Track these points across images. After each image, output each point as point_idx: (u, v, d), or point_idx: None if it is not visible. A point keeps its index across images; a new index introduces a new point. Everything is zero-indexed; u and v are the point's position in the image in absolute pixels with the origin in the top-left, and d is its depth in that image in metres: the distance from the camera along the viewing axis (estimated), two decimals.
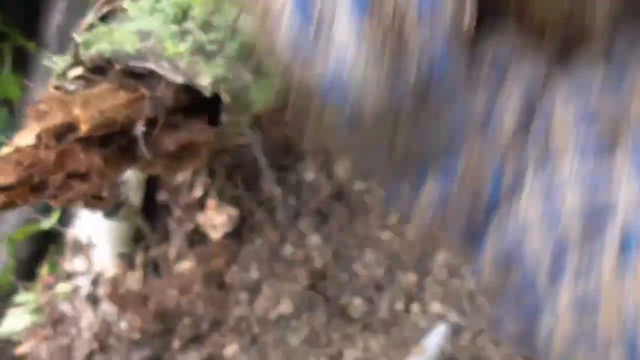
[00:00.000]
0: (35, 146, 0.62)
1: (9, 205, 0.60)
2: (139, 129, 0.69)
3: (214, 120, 0.85)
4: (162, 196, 1.68)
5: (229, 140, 0.95)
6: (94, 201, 0.68)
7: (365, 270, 1.63)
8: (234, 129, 0.95)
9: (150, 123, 0.72)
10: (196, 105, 0.84)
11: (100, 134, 0.66)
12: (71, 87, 0.73)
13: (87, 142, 0.64)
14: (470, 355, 1.54)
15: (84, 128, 0.62)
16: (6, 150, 0.62)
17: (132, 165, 0.76)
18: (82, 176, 0.63)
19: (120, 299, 1.47)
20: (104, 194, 0.69)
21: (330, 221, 1.66)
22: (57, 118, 0.62)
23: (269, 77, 0.98)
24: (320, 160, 1.69)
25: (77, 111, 0.62)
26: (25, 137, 0.62)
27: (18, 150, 0.61)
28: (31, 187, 0.62)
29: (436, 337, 1.46)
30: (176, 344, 1.58)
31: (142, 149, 0.70)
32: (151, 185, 1.68)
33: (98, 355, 1.57)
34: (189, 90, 0.77)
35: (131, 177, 1.55)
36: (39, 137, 0.62)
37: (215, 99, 0.83)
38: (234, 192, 1.66)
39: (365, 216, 1.68)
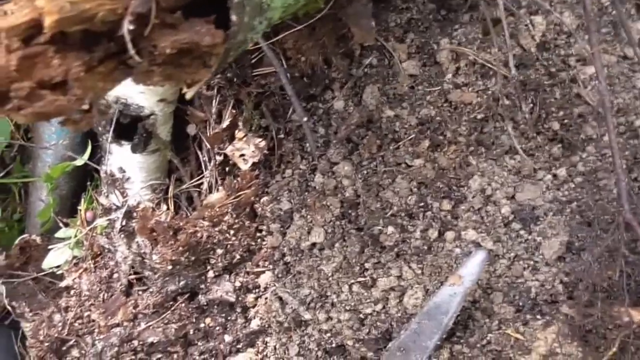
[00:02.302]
0: None
1: None
2: (125, 26, 0.60)
3: (222, 22, 0.76)
4: (191, 129, 1.69)
5: (242, 45, 0.88)
6: (76, 117, 0.63)
7: (397, 198, 1.60)
8: (248, 32, 0.88)
9: (141, 21, 0.63)
10: (200, 3, 0.75)
11: (75, 31, 0.57)
12: None
13: (63, 45, 0.56)
14: (506, 283, 1.51)
15: (49, 22, 0.53)
16: None
17: (126, 75, 0.68)
18: (58, 86, 0.59)
19: (150, 232, 1.49)
20: (88, 107, 0.64)
21: (360, 150, 1.63)
22: (22, 16, 0.54)
23: None
24: (348, 88, 1.65)
25: (41, 1, 0.53)
26: None
27: None
28: None
29: (474, 266, 1.43)
30: (210, 274, 1.60)
31: (130, 50, 0.61)
32: (180, 119, 1.68)
33: (136, 285, 1.62)
34: None
35: (157, 110, 1.55)
36: None
37: None
38: (262, 123, 1.64)
39: (396, 143, 1.64)
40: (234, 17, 0.76)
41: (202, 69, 0.80)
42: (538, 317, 1.45)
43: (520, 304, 1.48)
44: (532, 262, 1.52)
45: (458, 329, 1.47)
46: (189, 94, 0.81)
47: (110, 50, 0.64)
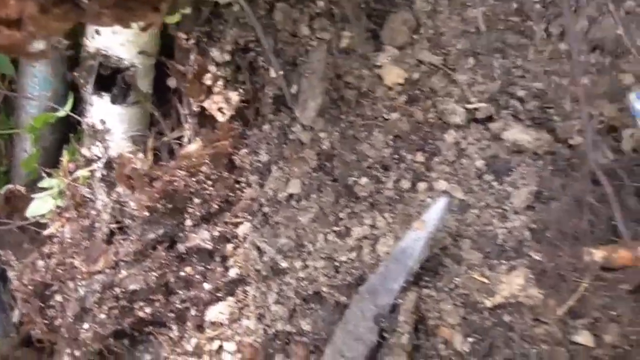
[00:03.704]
0: None
1: None
2: None
3: None
4: (171, 82, 1.72)
5: None
6: (31, 51, 0.67)
7: (373, 150, 1.64)
8: None
9: None
10: None
11: None
12: None
13: None
14: (476, 231, 1.56)
15: None
16: None
17: (78, 17, 0.75)
18: (14, 23, 0.62)
19: (127, 179, 1.53)
20: (42, 45, 0.68)
21: (338, 102, 1.67)
22: None
23: None
24: (325, 43, 1.68)
25: None
26: None
27: None
28: None
29: (437, 211, 1.47)
30: (188, 222, 1.65)
31: None
32: (162, 72, 1.72)
33: (117, 234, 1.66)
34: None
35: (137, 63, 1.59)
36: None
37: None
38: (240, 77, 1.68)
39: (373, 98, 1.68)
40: None
41: (151, 13, 0.87)
42: (504, 262, 1.50)
43: (488, 250, 1.52)
44: (501, 211, 1.56)
45: (427, 274, 1.52)
46: (145, 36, 0.87)
47: None
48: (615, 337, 1.40)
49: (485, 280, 1.48)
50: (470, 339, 1.47)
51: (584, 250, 1.45)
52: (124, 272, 1.63)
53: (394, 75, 1.67)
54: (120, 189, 1.60)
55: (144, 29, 0.86)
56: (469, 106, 1.64)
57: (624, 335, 1.40)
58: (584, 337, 1.42)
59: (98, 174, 1.62)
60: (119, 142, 1.66)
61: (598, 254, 1.43)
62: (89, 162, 1.67)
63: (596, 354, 1.40)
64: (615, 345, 1.40)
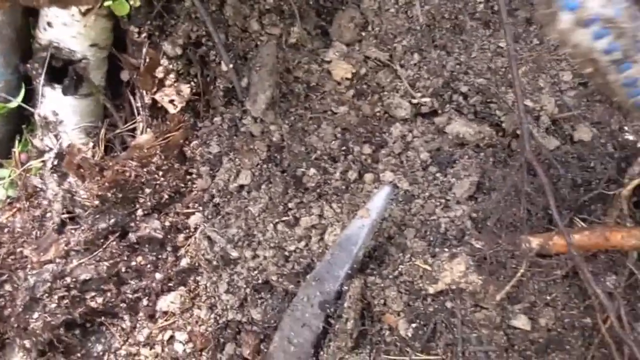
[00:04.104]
0: None
1: None
2: None
3: None
4: (124, 75, 1.75)
5: None
6: None
7: (322, 143, 1.69)
8: None
9: None
10: None
11: None
12: None
13: None
14: (420, 220, 1.61)
15: None
16: None
17: None
18: None
19: (78, 168, 1.55)
20: None
21: (288, 96, 1.71)
22: None
23: None
24: (275, 38, 1.72)
25: None
26: None
27: None
28: None
29: (380, 200, 1.52)
30: (139, 212, 1.67)
31: None
32: (115, 66, 1.74)
33: (69, 224, 1.68)
34: None
35: (89, 55, 1.61)
36: None
37: None
38: (192, 70, 1.71)
39: (322, 92, 1.72)
40: None
41: None
42: (446, 250, 1.55)
43: (431, 238, 1.58)
44: (444, 201, 1.62)
45: (373, 262, 1.57)
46: (86, 20, 0.91)
47: None
48: (550, 321, 1.46)
49: (428, 268, 1.52)
50: (413, 325, 1.51)
51: (521, 238, 1.50)
52: (75, 262, 1.64)
53: (342, 70, 1.72)
54: (71, 179, 1.61)
55: (84, 14, 0.89)
56: (415, 101, 1.70)
57: (558, 318, 1.46)
58: (521, 321, 1.47)
59: (49, 165, 1.63)
60: (71, 133, 1.68)
61: (534, 242, 1.49)
62: (41, 153, 1.68)
63: (532, 337, 1.46)
64: (550, 329, 1.46)
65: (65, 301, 1.64)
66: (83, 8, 0.92)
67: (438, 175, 1.65)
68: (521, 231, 1.52)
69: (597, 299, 1.39)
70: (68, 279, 1.64)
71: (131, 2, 1.51)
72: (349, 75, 1.72)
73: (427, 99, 1.69)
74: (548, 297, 1.48)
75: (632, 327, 1.38)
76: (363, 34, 1.77)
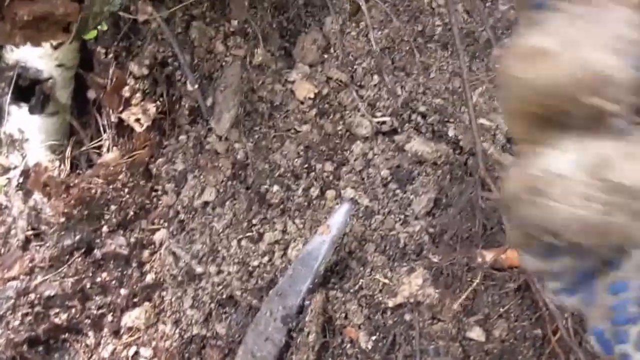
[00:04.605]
0: None
1: None
2: None
3: None
4: (91, 94, 1.78)
5: (100, 15, 1.03)
6: None
7: (285, 160, 1.73)
8: (104, 5, 1.03)
9: None
10: None
11: None
12: None
13: None
14: (380, 235, 1.66)
15: None
16: None
17: None
18: None
19: (44, 186, 1.57)
20: None
21: (252, 115, 1.76)
22: None
23: None
24: (240, 59, 1.77)
25: None
26: None
27: None
28: None
29: (340, 215, 1.57)
30: (104, 229, 1.69)
31: None
32: (82, 84, 1.77)
33: (33, 241, 1.69)
34: None
35: (55, 75, 1.64)
36: None
37: None
38: (158, 90, 1.75)
39: (286, 111, 1.77)
40: None
41: (61, 33, 0.95)
42: (404, 264, 1.60)
43: (391, 253, 1.63)
44: (403, 217, 1.67)
45: (334, 277, 1.61)
46: (57, 53, 0.96)
47: None
48: (504, 332, 1.52)
49: (388, 282, 1.58)
50: (373, 337, 1.56)
51: (476, 252, 1.56)
52: (39, 278, 1.65)
53: (305, 90, 1.78)
54: (37, 196, 1.63)
55: (55, 48, 0.94)
56: (375, 120, 1.76)
57: (511, 329, 1.52)
58: (476, 333, 1.53)
59: (15, 182, 1.65)
60: (37, 151, 1.70)
61: (488, 255, 1.55)
62: (6, 170, 1.70)
63: (487, 348, 1.51)
64: (504, 339, 1.51)
65: (29, 318, 1.65)
66: (55, 42, 0.97)
67: (397, 191, 1.71)
68: (476, 245, 1.58)
69: (547, 311, 1.46)
70: (32, 296, 1.65)
71: (99, 27, 1.55)
72: (312, 95, 1.78)
73: (387, 118, 1.75)
74: (501, 309, 1.54)
75: (580, 337, 1.44)
76: (325, 55, 1.83)
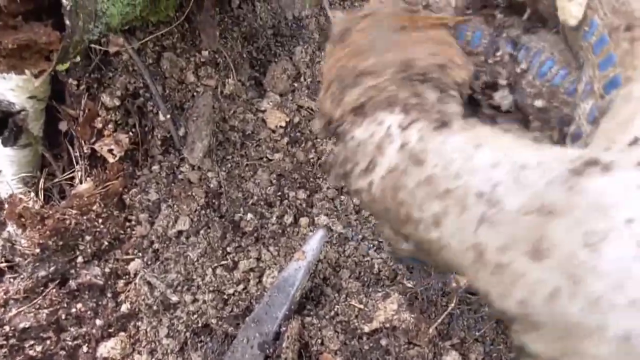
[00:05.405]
0: None
1: None
2: None
3: (62, 25, 0.96)
4: (62, 126, 1.78)
5: (80, 44, 1.05)
6: None
7: (258, 188, 1.76)
8: (84, 34, 1.05)
9: None
10: (45, 9, 0.95)
11: None
12: None
13: None
14: (354, 262, 1.69)
15: None
16: None
17: None
18: None
19: (19, 217, 1.58)
20: None
21: (224, 144, 1.78)
22: None
23: None
24: (211, 89, 1.80)
25: None
26: None
27: None
28: None
29: (315, 242, 1.60)
30: (79, 259, 1.69)
31: None
32: (53, 116, 1.77)
33: (7, 273, 1.68)
34: None
35: (28, 107, 1.64)
36: None
37: (57, 4, 0.93)
38: (130, 120, 1.76)
39: (258, 140, 1.80)
40: (67, 22, 0.94)
41: (43, 62, 0.98)
42: (379, 289, 1.64)
43: (365, 279, 1.66)
44: (377, 243, 1.71)
45: (309, 303, 1.64)
46: (37, 82, 0.98)
47: None
48: (480, 356, 1.56)
49: (363, 307, 1.61)
50: None
51: (450, 277, 1.60)
52: (14, 310, 1.64)
53: (276, 119, 1.81)
54: (10, 228, 1.63)
55: (36, 76, 0.96)
56: None
57: (487, 353, 1.55)
58: (452, 357, 1.56)
59: None
60: (9, 183, 1.70)
61: (463, 280, 1.59)
62: None
63: None
64: None
65: (4, 350, 1.64)
66: (36, 71, 0.99)
67: (370, 217, 1.74)
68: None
69: None
70: (7, 328, 1.64)
71: (72, 59, 1.56)
72: (283, 124, 1.81)
73: None
74: (477, 333, 1.58)
75: None
76: (295, 84, 1.86)
